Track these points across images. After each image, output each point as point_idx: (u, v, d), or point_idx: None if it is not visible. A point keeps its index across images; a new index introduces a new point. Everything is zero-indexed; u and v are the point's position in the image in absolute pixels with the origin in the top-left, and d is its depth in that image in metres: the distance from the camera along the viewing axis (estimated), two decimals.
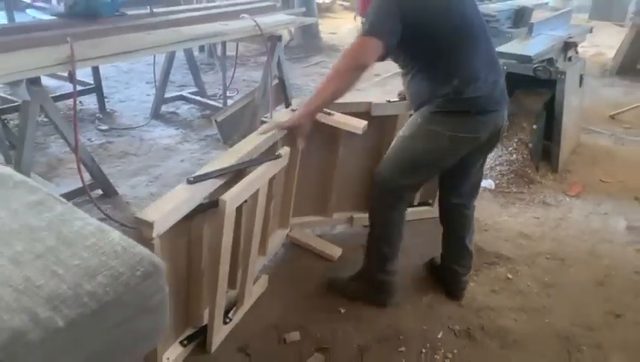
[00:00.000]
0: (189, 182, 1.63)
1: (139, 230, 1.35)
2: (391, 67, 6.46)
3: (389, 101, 2.51)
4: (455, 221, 2.27)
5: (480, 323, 2.18)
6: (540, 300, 2.34)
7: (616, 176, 3.52)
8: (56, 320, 0.66)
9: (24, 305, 0.67)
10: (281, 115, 2.26)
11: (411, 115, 2.08)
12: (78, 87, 3.89)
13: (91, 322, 0.69)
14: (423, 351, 2.02)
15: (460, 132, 1.93)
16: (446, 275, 2.34)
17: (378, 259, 2.19)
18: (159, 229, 1.34)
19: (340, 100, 1.94)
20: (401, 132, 2.06)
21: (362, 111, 2.41)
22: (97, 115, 4.15)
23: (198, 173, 1.68)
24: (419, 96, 1.99)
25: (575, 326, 2.19)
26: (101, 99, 4.22)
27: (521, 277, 2.47)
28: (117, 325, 0.74)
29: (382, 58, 1.84)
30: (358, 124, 2.24)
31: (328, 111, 2.29)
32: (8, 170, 0.96)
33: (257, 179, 1.82)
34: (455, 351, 2.02)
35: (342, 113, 2.31)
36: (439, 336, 2.10)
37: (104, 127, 3.94)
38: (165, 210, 1.38)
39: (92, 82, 4.14)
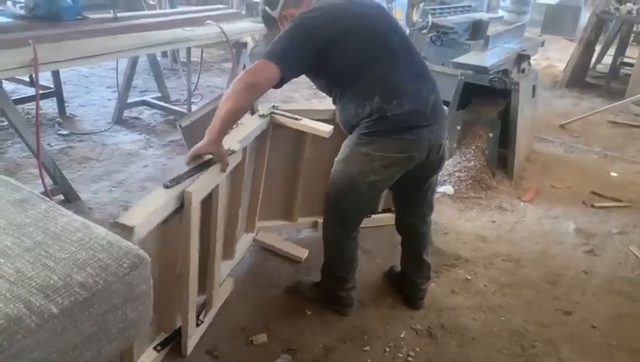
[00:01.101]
0: (166, 187, 1.64)
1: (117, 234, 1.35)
2: None
3: None
4: (411, 238, 2.30)
5: (440, 322, 2.27)
6: (496, 299, 2.45)
7: (565, 182, 3.73)
8: (50, 308, 0.69)
9: (18, 294, 0.69)
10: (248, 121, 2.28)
11: None
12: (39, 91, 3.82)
13: (83, 309, 0.72)
14: (387, 349, 2.09)
15: (389, 152, 1.88)
16: (405, 284, 2.36)
17: (333, 279, 2.22)
18: (140, 234, 1.35)
19: (306, 107, 1.99)
20: (338, 156, 2.03)
21: (327, 118, 2.45)
22: (57, 119, 4.06)
23: (172, 177, 1.70)
24: (347, 121, 1.97)
25: (529, 323, 2.31)
26: (61, 103, 4.13)
27: (479, 278, 2.59)
28: (107, 312, 0.77)
29: (277, 85, 1.80)
30: (325, 128, 2.31)
31: (295, 116, 2.35)
32: None
33: (216, 172, 1.82)
34: (417, 349, 2.10)
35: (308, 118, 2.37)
36: (402, 336, 2.17)
37: (64, 132, 3.86)
38: (145, 214, 1.39)
39: (51, 86, 4.06)
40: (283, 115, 2.37)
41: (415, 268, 2.32)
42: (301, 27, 1.86)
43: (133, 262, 0.80)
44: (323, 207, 2.11)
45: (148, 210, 1.41)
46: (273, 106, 2.42)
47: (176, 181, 1.68)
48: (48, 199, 0.94)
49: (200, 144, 1.81)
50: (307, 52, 1.83)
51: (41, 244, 0.80)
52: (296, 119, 2.34)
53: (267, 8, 2.08)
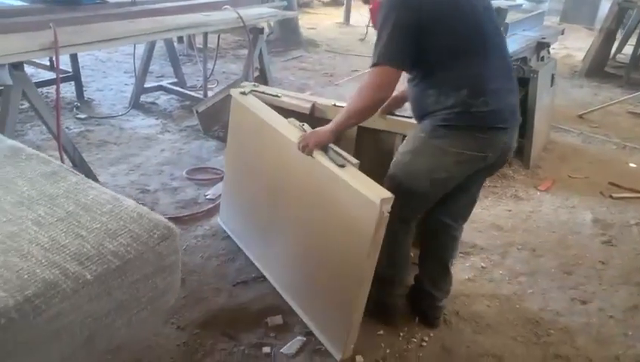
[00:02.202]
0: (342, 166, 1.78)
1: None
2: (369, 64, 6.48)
3: (335, 105, 2.31)
4: (440, 242, 2.08)
5: (455, 309, 2.27)
6: (511, 287, 2.45)
7: (583, 172, 3.69)
8: (84, 274, 0.71)
9: (53, 261, 0.71)
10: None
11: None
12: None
13: (116, 277, 0.75)
14: (401, 334, 2.10)
15: (466, 149, 1.75)
16: (421, 299, 2.15)
17: (382, 281, 1.98)
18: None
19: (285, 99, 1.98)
20: (402, 147, 1.90)
21: (305, 113, 2.31)
22: (75, 103, 4.11)
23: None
24: (422, 106, 1.83)
25: (544, 311, 2.31)
26: (79, 87, 4.18)
27: (495, 266, 2.58)
28: (138, 281, 0.79)
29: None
30: (305, 105, 2.28)
31: (277, 93, 2.35)
32: (18, 144, 0.99)
33: None
34: (431, 335, 2.11)
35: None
36: (416, 321, 2.18)
37: (82, 116, 3.91)
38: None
39: (70, 70, 4.09)
40: (263, 94, 2.35)
41: (437, 279, 2.11)
42: (397, 14, 1.69)
43: (163, 233, 0.82)
44: None
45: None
46: (254, 85, 2.43)
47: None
48: (77, 172, 0.96)
49: (320, 137, 1.86)
50: (413, 38, 1.69)
51: (73, 215, 0.82)
52: (277, 96, 2.32)
53: None
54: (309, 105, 2.27)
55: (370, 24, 1.92)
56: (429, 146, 1.79)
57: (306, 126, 2.01)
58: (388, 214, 1.65)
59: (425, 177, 1.82)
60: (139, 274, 0.79)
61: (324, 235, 1.94)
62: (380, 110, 1.98)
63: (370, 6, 1.98)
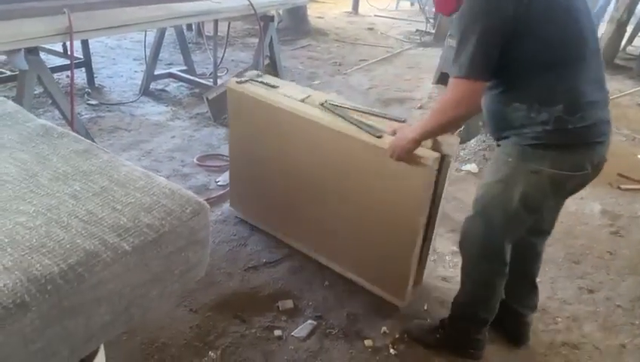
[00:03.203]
0: None
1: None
2: (378, 53, 6.48)
3: (326, 101, 2.24)
4: (526, 259, 1.97)
5: None
6: None
7: None
8: (123, 245, 0.74)
9: (92, 232, 0.74)
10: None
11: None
12: (67, 61, 3.89)
13: (152, 248, 0.77)
14: (415, 321, 2.13)
15: (563, 169, 1.54)
16: (507, 316, 2.02)
17: (474, 322, 1.91)
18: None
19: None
20: (488, 177, 1.72)
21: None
22: (86, 89, 4.14)
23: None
24: (505, 121, 1.60)
25: (552, 300, 2.33)
26: (90, 73, 4.20)
27: None
28: (172, 253, 0.82)
29: None
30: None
31: (273, 83, 2.34)
32: (49, 123, 1.02)
33: None
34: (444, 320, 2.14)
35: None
36: (425, 308, 2.21)
37: (93, 102, 3.94)
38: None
39: (81, 56, 4.12)
40: (262, 83, 2.35)
41: (523, 295, 2.02)
42: (487, 19, 1.47)
43: (194, 208, 0.85)
44: (465, 242, 1.81)
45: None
46: (258, 75, 2.43)
47: None
48: (108, 150, 0.98)
49: (405, 149, 1.81)
50: (501, 47, 1.48)
51: (108, 190, 0.84)
52: (273, 86, 2.32)
53: None
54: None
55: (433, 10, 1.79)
56: (520, 171, 1.59)
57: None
58: (436, 171, 1.87)
59: (521, 206, 1.62)
60: (173, 247, 0.82)
61: (372, 202, 2.09)
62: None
63: None
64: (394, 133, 1.93)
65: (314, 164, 2.22)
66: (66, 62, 3.90)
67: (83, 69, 4.18)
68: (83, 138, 0.99)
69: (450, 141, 1.88)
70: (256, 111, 2.30)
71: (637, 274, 2.55)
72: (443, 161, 1.90)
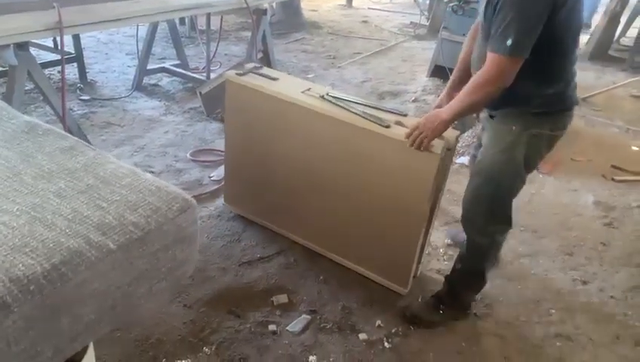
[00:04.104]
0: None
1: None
2: (372, 46, 6.45)
3: (327, 94, 2.23)
4: None
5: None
6: (513, 268, 2.48)
7: (585, 155, 3.70)
8: (108, 243, 0.73)
9: (77, 230, 0.73)
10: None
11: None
12: (58, 56, 3.85)
13: (138, 247, 0.77)
14: (407, 314, 2.13)
15: (556, 130, 1.80)
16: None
17: (477, 285, 2.11)
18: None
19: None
20: (490, 148, 1.86)
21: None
22: (78, 84, 4.10)
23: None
24: (511, 94, 1.69)
25: (545, 291, 2.34)
26: (82, 69, 4.16)
27: None
28: (158, 251, 0.81)
29: None
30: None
31: (272, 76, 2.35)
32: (34, 120, 1.01)
33: None
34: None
35: None
36: (419, 301, 2.21)
37: (86, 97, 3.90)
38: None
39: (72, 51, 4.08)
40: (261, 76, 2.34)
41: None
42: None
43: (181, 205, 0.84)
44: (474, 209, 1.95)
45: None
46: (255, 66, 2.42)
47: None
48: (94, 147, 0.97)
49: (437, 130, 1.82)
50: (540, 26, 1.57)
51: (93, 187, 0.83)
52: (273, 78, 2.32)
53: None
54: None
55: None
56: (523, 137, 1.77)
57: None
58: (444, 156, 1.91)
59: (524, 167, 1.82)
60: (159, 244, 0.81)
61: (375, 191, 2.12)
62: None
63: None
64: (399, 123, 2.01)
65: (317, 155, 2.23)
66: (56, 58, 3.86)
67: (75, 64, 4.14)
68: (69, 135, 0.98)
69: (451, 133, 1.94)
70: (256, 104, 2.30)
71: (630, 265, 2.57)
72: (447, 151, 1.94)
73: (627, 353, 2.05)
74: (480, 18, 1.79)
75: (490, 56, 1.62)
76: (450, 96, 1.99)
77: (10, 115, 0.99)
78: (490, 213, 1.92)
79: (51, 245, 0.70)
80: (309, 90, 2.24)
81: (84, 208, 0.78)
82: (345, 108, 2.10)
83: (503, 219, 1.96)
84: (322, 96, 2.18)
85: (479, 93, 1.69)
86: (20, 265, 0.67)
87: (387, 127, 1.99)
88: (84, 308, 0.71)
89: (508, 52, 1.57)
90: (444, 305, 2.11)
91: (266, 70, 2.43)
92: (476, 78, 1.70)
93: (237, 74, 2.33)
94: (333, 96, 2.18)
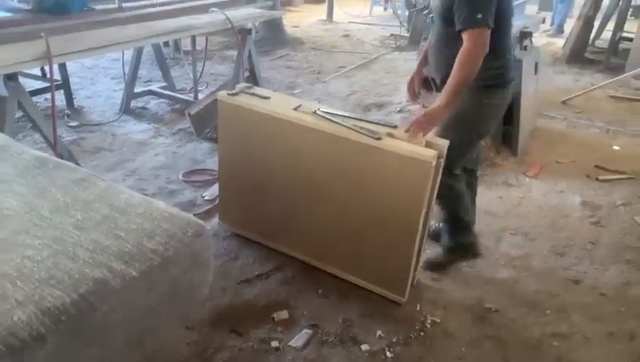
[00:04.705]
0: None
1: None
2: (355, 59, 6.53)
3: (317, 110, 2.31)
4: (472, 186, 2.55)
5: (456, 296, 2.34)
6: (507, 271, 2.53)
7: (569, 156, 3.79)
8: (130, 271, 0.76)
9: (99, 261, 0.76)
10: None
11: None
12: (45, 84, 3.87)
13: (158, 273, 0.79)
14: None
15: (502, 99, 2.19)
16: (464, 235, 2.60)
17: (464, 228, 2.51)
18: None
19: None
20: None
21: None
22: (66, 111, 4.11)
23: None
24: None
25: (540, 293, 2.39)
26: (69, 95, 4.17)
27: (490, 252, 2.66)
28: (177, 276, 0.84)
29: None
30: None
31: (265, 95, 2.41)
32: (43, 154, 1.03)
33: None
34: (434, 321, 2.18)
35: None
36: (417, 308, 2.25)
37: (74, 124, 3.91)
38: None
39: (58, 79, 4.09)
40: (253, 95, 2.39)
41: (474, 212, 2.61)
42: None
43: (196, 230, 0.88)
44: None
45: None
46: (247, 86, 2.47)
47: None
48: (104, 178, 1.00)
49: (435, 111, 2.03)
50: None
51: (110, 218, 0.86)
52: (265, 97, 2.37)
53: None
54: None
55: None
56: (476, 105, 2.13)
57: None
58: (440, 167, 2.02)
59: (475, 132, 2.23)
60: (178, 269, 0.84)
61: (370, 203, 2.17)
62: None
63: None
64: (390, 135, 2.12)
65: (311, 170, 2.27)
66: (43, 85, 3.87)
67: (61, 91, 4.15)
68: (79, 167, 1.01)
69: (442, 142, 2.05)
70: (250, 123, 2.35)
71: (619, 262, 2.63)
72: (438, 160, 2.01)
73: (622, 348, 2.10)
74: (436, 3, 2.14)
75: (467, 34, 1.93)
76: (422, 64, 2.42)
77: (19, 150, 1.02)
78: (447, 169, 2.15)
79: (77, 276, 0.73)
80: (300, 106, 2.29)
81: (104, 238, 0.81)
82: (337, 123, 2.15)
83: (456, 174, 2.30)
84: (314, 112, 2.23)
85: (471, 66, 1.95)
86: (49, 296, 0.69)
87: (379, 139, 2.04)
88: (112, 334, 0.74)
89: (480, 23, 1.90)
90: (449, 251, 2.53)
91: (256, 89, 2.47)
92: (460, 57, 1.96)
93: (229, 94, 2.37)
94: (324, 112, 2.23)
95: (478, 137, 2.31)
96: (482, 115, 2.19)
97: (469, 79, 1.98)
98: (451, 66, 2.00)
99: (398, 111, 4.45)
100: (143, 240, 0.82)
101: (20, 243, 0.78)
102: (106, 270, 0.75)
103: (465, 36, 1.93)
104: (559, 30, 7.68)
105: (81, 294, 0.71)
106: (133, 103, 4.33)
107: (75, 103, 4.26)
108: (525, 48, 3.83)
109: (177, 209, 0.91)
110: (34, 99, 3.93)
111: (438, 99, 2.05)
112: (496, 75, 2.11)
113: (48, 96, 4.10)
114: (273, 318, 2.15)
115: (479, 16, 1.88)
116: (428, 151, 1.97)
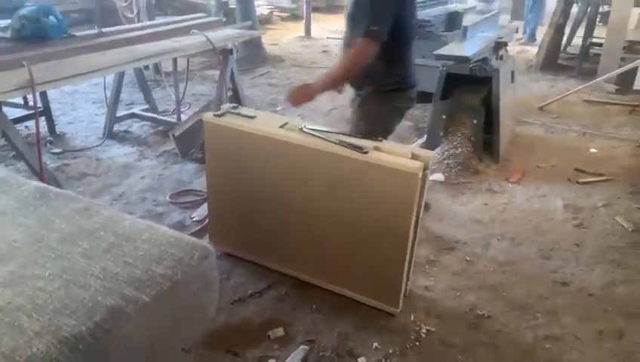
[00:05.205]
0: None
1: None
2: None
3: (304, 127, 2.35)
4: None
5: (447, 303, 2.37)
6: (496, 277, 2.57)
7: (549, 161, 3.88)
8: (142, 297, 0.77)
9: (111, 288, 0.77)
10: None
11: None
12: (26, 111, 3.84)
13: (170, 297, 0.80)
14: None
15: (406, 102, 2.53)
16: None
17: None
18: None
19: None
20: (358, 114, 2.53)
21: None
22: (48, 138, 4.07)
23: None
24: (372, 75, 2.37)
25: (529, 296, 2.44)
26: (50, 122, 4.14)
27: (479, 259, 2.71)
28: (188, 298, 0.85)
29: None
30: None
31: (250, 114, 2.46)
32: (43, 184, 1.04)
33: None
34: (428, 330, 2.20)
35: None
36: (412, 318, 2.27)
37: (57, 150, 3.88)
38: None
39: (39, 106, 4.05)
40: (239, 115, 2.42)
41: None
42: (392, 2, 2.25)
43: (202, 253, 0.89)
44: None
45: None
46: (233, 107, 2.51)
47: None
48: (106, 206, 1.01)
49: (308, 87, 2.41)
50: (392, 19, 2.24)
51: (116, 245, 0.87)
52: (251, 117, 2.41)
53: None
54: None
55: None
56: (383, 107, 2.46)
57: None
58: (426, 178, 2.10)
59: (383, 130, 2.43)
60: (188, 292, 0.85)
61: (360, 216, 2.20)
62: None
63: None
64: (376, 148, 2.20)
65: (300, 187, 2.30)
66: (24, 113, 3.84)
67: (43, 118, 4.12)
68: (80, 196, 1.02)
69: (426, 154, 2.11)
70: (237, 142, 2.37)
71: (604, 262, 2.70)
72: (424, 171, 2.05)
73: (612, 347, 2.15)
74: (348, 10, 2.49)
75: (363, 39, 2.22)
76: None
77: (19, 182, 1.03)
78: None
79: (90, 304, 0.74)
80: (286, 124, 2.32)
81: (113, 266, 0.82)
82: (324, 139, 2.18)
83: None
84: (300, 129, 2.26)
85: (352, 64, 2.30)
86: (65, 326, 0.70)
87: (366, 152, 2.08)
88: (127, 358, 0.75)
89: (374, 35, 2.20)
90: None
91: (242, 109, 2.50)
92: (351, 54, 2.30)
93: (215, 115, 2.39)
94: (310, 128, 2.26)
95: (385, 134, 2.45)
96: (391, 115, 2.54)
97: (348, 74, 2.36)
98: (364, 74, 2.34)
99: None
100: (152, 266, 0.84)
101: (30, 275, 0.79)
102: (118, 297, 0.77)
103: (359, 40, 2.25)
104: (531, 38, 7.89)
105: (96, 322, 0.72)
106: (116, 127, 4.31)
107: (57, 130, 4.23)
108: (501, 58, 3.95)
109: (181, 233, 0.93)
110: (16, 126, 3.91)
111: (317, 79, 2.43)
112: (398, 80, 2.45)
113: (29, 123, 4.08)
114: (269, 336, 2.15)
115: (375, 28, 2.20)
116: (414, 163, 2.02)
